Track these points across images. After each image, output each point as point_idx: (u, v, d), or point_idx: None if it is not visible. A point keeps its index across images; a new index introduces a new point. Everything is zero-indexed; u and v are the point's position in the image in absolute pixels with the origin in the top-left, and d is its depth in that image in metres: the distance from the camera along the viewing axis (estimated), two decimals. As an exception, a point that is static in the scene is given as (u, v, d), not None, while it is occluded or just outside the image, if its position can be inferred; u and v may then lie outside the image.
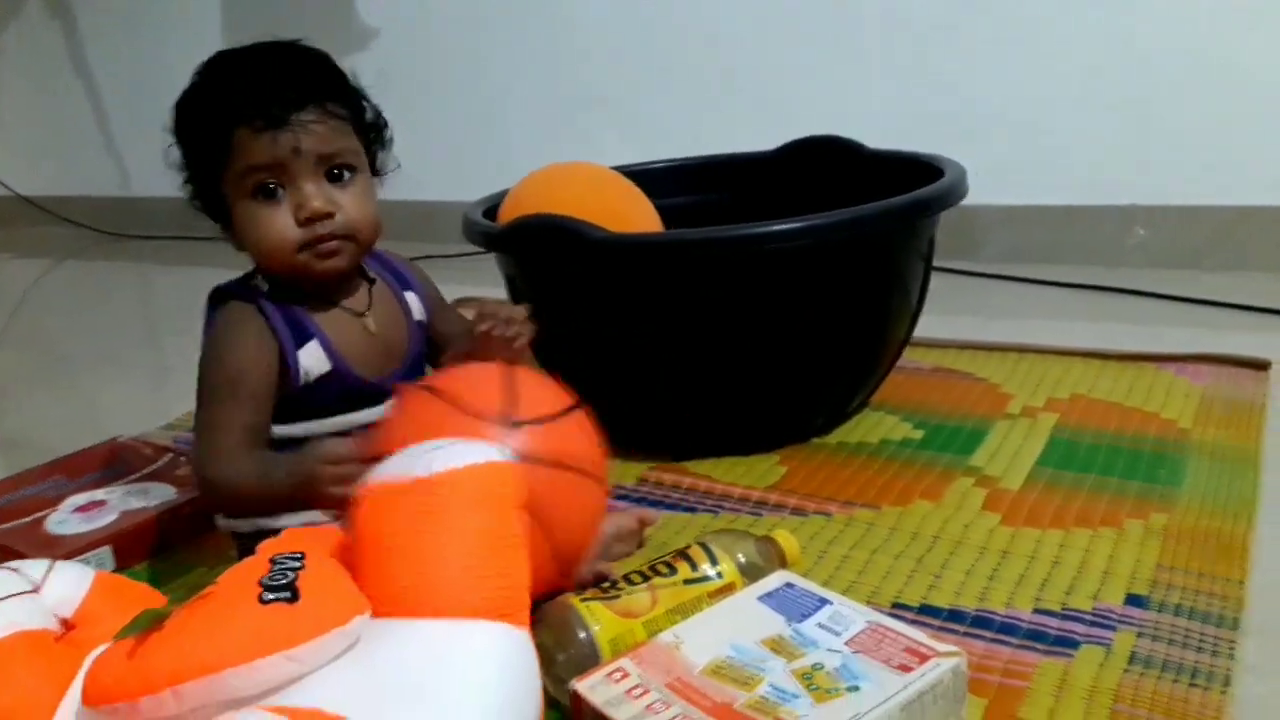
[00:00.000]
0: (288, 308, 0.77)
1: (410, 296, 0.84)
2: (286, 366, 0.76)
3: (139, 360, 1.78)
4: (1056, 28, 1.63)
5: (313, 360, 0.76)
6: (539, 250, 0.99)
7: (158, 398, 1.51)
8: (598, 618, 0.68)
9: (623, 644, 0.67)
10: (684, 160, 1.39)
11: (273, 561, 0.58)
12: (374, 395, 0.79)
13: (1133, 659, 0.66)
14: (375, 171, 0.80)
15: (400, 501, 0.58)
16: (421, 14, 2.24)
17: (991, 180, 1.64)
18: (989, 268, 1.67)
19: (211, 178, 0.76)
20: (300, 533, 0.63)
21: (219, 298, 0.79)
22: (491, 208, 1.14)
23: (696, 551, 0.74)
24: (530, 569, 0.57)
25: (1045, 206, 1.70)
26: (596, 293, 0.98)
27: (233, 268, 0.81)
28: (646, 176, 1.25)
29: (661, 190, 1.23)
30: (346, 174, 0.75)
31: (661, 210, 1.18)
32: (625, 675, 0.61)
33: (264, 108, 0.72)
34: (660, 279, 0.95)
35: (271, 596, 0.54)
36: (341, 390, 0.78)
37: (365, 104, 0.79)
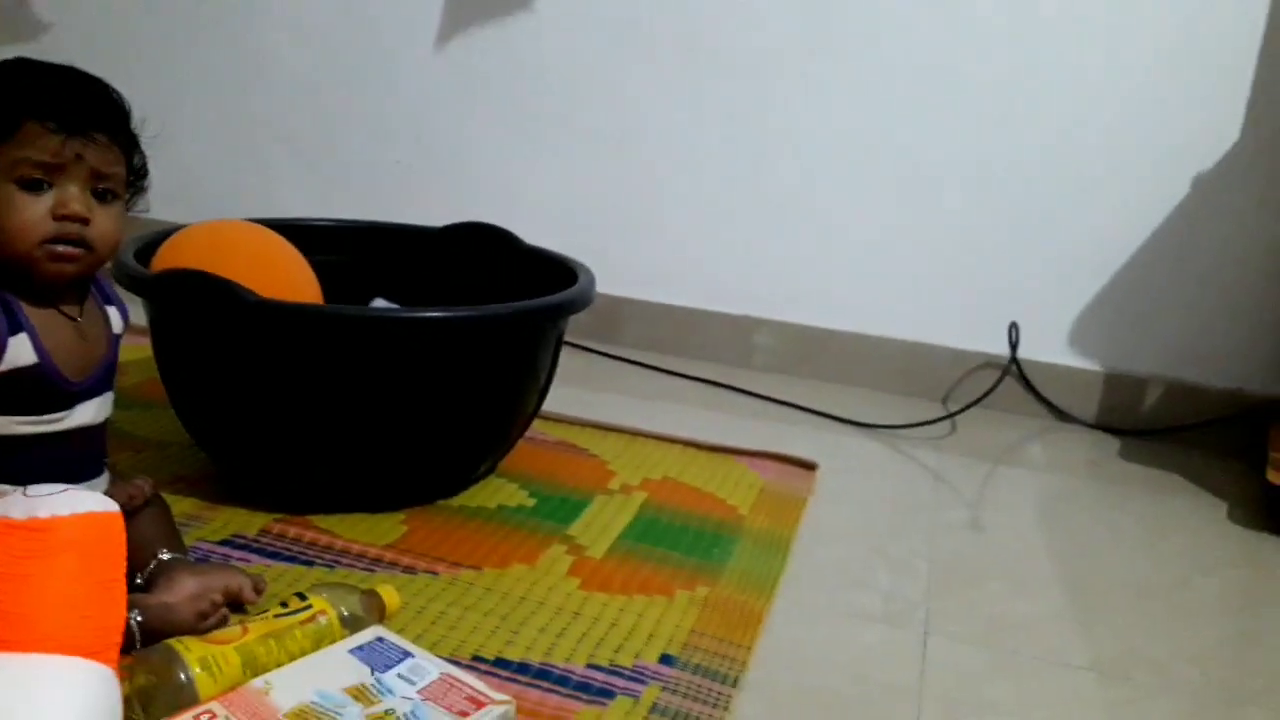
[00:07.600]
0: (5, 298, 0.79)
1: (112, 310, 0.89)
2: None
3: None
4: (704, 171, 1.89)
5: (18, 352, 0.78)
6: (188, 305, 1.02)
7: None
8: (190, 649, 0.74)
9: (214, 666, 0.73)
10: (351, 222, 1.47)
11: None
12: (68, 397, 0.82)
13: (653, 709, 0.82)
14: (128, 207, 0.86)
15: (12, 538, 0.62)
16: (100, 10, 2.16)
17: (632, 278, 1.87)
18: (628, 353, 1.88)
19: None
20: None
21: None
22: (144, 246, 1.16)
23: (292, 599, 0.83)
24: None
25: (676, 306, 1.94)
26: (242, 351, 1.03)
27: None
28: (312, 231, 1.33)
29: (323, 247, 1.31)
30: (110, 197, 0.81)
31: (320, 265, 1.26)
32: (213, 716, 0.68)
33: (65, 112, 0.77)
34: (308, 346, 1.02)
35: None
36: (38, 388, 0.80)
37: (140, 151, 0.85)
